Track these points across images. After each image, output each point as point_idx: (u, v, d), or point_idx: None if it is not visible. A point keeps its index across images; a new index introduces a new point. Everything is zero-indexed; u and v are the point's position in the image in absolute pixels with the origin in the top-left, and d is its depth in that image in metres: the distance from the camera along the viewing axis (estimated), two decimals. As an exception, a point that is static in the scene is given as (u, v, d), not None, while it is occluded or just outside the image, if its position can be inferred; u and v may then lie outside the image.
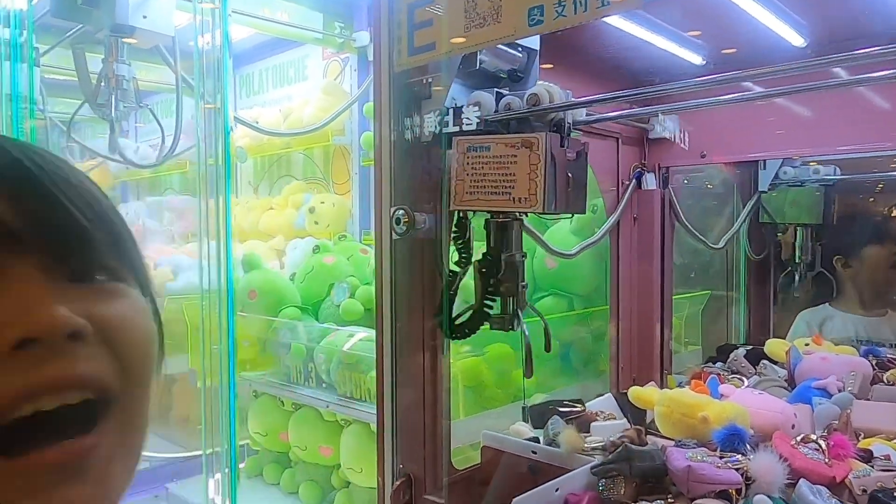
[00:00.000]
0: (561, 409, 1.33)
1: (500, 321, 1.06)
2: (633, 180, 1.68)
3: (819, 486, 0.97)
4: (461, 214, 1.10)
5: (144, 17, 1.73)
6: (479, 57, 1.03)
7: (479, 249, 1.12)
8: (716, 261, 2.32)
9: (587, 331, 1.80)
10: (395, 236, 1.05)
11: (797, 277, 2.23)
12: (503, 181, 0.99)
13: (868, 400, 1.39)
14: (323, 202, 2.71)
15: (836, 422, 1.26)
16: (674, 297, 1.88)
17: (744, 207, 2.13)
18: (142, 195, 4.35)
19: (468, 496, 1.22)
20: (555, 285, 1.82)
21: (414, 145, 1.08)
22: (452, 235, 1.12)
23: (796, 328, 2.22)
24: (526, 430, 1.33)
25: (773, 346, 1.79)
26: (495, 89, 1.06)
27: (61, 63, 2.90)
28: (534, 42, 1.10)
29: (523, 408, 1.39)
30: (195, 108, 1.71)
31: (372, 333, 1.94)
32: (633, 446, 1.05)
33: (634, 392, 1.33)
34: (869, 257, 2.08)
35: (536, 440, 1.24)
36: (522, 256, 1.07)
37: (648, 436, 1.22)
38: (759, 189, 2.10)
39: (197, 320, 2.21)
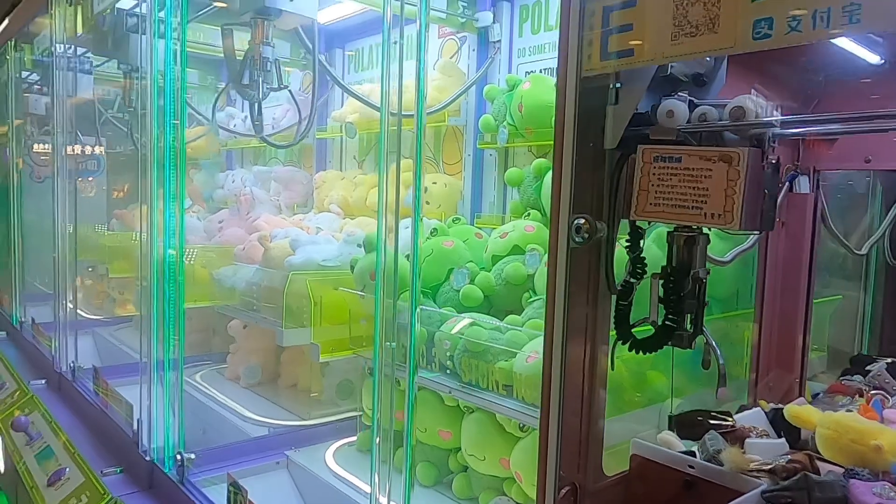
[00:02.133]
0: (711, 422, 1.30)
1: (679, 338, 1.04)
2: (787, 183, 1.60)
3: None
4: (636, 226, 1.08)
5: (291, 0, 1.75)
6: (670, 63, 0.99)
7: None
8: (849, 264, 2.20)
9: (723, 336, 1.75)
10: (573, 244, 1.03)
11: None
12: (694, 195, 0.96)
13: None
14: (435, 182, 2.72)
15: None
16: (811, 303, 1.80)
17: (888, 211, 2.01)
18: (246, 164, 4.49)
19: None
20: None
21: (595, 152, 1.05)
22: (626, 245, 1.09)
23: None
24: (675, 440, 1.31)
25: (921, 360, 1.70)
26: (688, 97, 1.01)
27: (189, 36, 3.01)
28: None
29: (669, 416, 1.37)
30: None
31: (494, 321, 1.95)
32: (812, 475, 1.01)
33: (792, 410, 1.28)
34: None
35: (689, 453, 1.22)
36: (707, 273, 1.04)
37: (818, 462, 1.17)
38: None
39: (318, 295, 2.28)
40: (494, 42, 2.57)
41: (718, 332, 1.82)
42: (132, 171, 3.56)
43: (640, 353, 1.07)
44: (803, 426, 1.27)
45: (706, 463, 1.16)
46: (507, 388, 1.73)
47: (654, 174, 1.00)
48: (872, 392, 1.60)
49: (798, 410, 1.28)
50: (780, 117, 0.95)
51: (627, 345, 1.08)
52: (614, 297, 1.12)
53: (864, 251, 1.94)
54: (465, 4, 2.54)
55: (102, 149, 4.15)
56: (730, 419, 1.33)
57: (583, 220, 1.02)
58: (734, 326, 1.81)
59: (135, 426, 2.23)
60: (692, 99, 1.02)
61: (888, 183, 2.02)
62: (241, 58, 1.84)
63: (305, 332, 2.23)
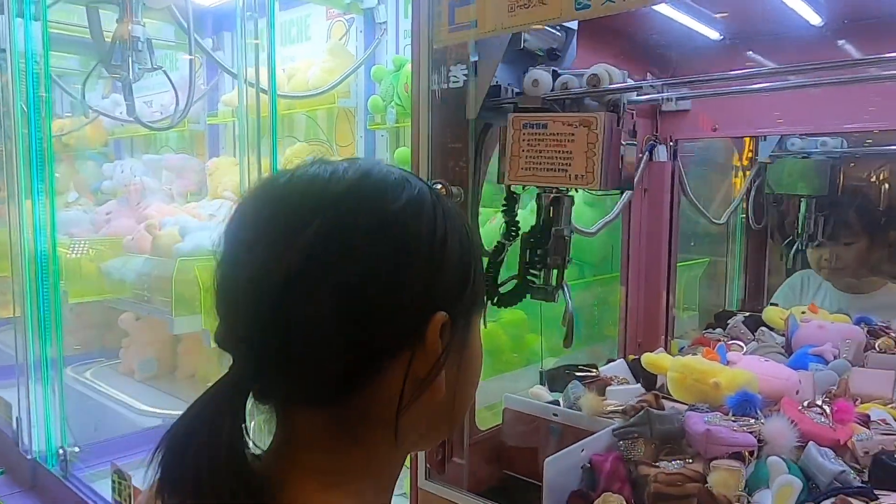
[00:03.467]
0: (578, 374, 1.40)
1: (543, 293, 1.11)
2: (646, 153, 1.72)
3: (825, 448, 1.05)
4: (510, 189, 1.15)
5: (160, -23, 1.71)
6: (523, 37, 1.06)
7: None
8: (715, 229, 2.38)
9: (596, 298, 1.86)
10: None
11: (797, 248, 2.28)
12: (560, 158, 1.03)
13: (863, 367, 1.47)
14: (328, 165, 2.72)
15: (836, 387, 1.34)
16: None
17: (745, 178, 2.18)
18: (136, 153, 4.31)
19: (491, 456, 1.29)
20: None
21: (449, 123, 1.11)
22: (502, 209, 1.16)
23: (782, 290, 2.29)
24: (544, 393, 1.40)
25: (771, 313, 1.87)
26: (552, 68, 1.09)
27: (58, 17, 2.85)
28: (572, 22, 1.13)
29: (540, 372, 1.46)
30: (238, 74, 1.69)
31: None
32: (654, 410, 1.11)
33: (647, 358, 1.40)
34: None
35: (557, 403, 1.31)
36: (570, 232, 1.11)
37: (662, 400, 1.29)
38: (759, 159, 2.09)
39: (209, 281, 2.24)
40: (381, 23, 2.59)
41: (592, 294, 1.94)
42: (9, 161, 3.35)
43: (504, 307, 1.13)
44: (658, 372, 1.39)
45: (568, 410, 1.25)
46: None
47: (524, 140, 1.07)
48: (730, 342, 1.76)
49: (653, 358, 1.39)
50: (632, 83, 1.03)
51: (494, 300, 1.15)
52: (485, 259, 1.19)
53: (722, 221, 2.10)
54: (350, -14, 2.55)
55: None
56: (594, 370, 1.44)
57: (440, 186, 1.08)
58: (608, 289, 1.93)
59: (14, 425, 2.13)
60: (555, 69, 1.10)
61: (745, 150, 2.19)
62: (110, 39, 1.78)
63: (196, 319, 2.20)
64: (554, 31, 1.13)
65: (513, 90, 1.13)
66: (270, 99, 1.67)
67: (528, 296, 1.13)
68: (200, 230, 2.47)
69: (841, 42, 1.47)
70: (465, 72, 1.08)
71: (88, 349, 3.22)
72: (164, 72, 1.95)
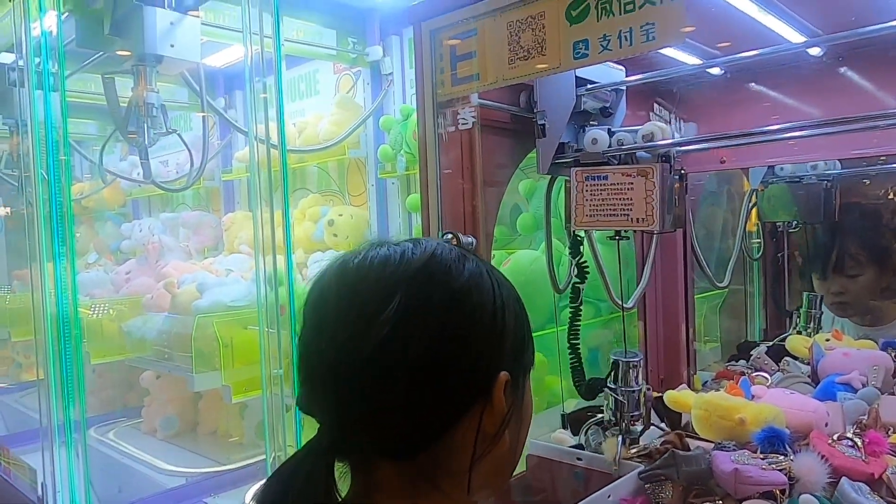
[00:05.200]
0: (598, 417, 1.38)
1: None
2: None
3: (859, 483, 1.02)
4: (576, 234, 1.30)
5: (172, 45, 1.77)
6: (582, 100, 1.21)
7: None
8: (729, 257, 2.36)
9: (615, 335, 1.85)
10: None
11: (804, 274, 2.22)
12: (622, 205, 1.13)
13: (893, 394, 1.44)
14: (341, 214, 2.75)
15: (866, 417, 1.30)
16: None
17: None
18: (154, 212, 4.39)
19: (518, 503, 1.27)
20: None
21: (450, 175, 1.14)
22: (569, 252, 1.32)
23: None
24: (567, 437, 1.38)
25: (795, 342, 1.84)
26: (608, 127, 1.21)
27: (76, 86, 2.95)
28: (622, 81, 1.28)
29: (562, 415, 1.44)
30: (249, 131, 1.74)
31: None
32: (680, 452, 1.09)
33: (670, 396, 1.38)
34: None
35: (580, 447, 1.29)
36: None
37: (687, 439, 1.27)
38: (753, 187, 2.01)
39: (228, 337, 2.26)
40: (387, 74, 2.65)
41: (611, 332, 1.93)
42: (32, 227, 3.43)
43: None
44: (682, 409, 1.37)
45: (592, 454, 1.23)
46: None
47: (586, 191, 1.16)
48: (755, 373, 1.73)
49: (675, 395, 1.37)
50: (678, 139, 1.16)
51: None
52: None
53: (734, 249, 2.07)
54: (355, 41, 2.62)
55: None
56: (617, 412, 1.42)
57: (450, 236, 1.09)
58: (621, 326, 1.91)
59: (39, 492, 2.13)
60: (609, 128, 1.21)
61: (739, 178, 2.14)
62: (125, 105, 1.84)
63: (216, 375, 2.21)
64: (607, 92, 1.27)
65: (572, 147, 1.27)
66: (280, 153, 1.71)
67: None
68: (218, 286, 2.50)
69: (842, 70, 1.48)
70: (474, 115, 1.13)
71: (111, 409, 3.23)
72: (179, 135, 2.01)
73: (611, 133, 1.23)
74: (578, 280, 1.39)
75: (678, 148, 1.22)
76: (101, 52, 2.05)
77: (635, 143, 1.20)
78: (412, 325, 0.56)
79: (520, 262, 1.95)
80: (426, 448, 0.59)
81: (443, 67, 1.08)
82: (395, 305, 0.56)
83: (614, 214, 1.15)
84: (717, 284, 1.91)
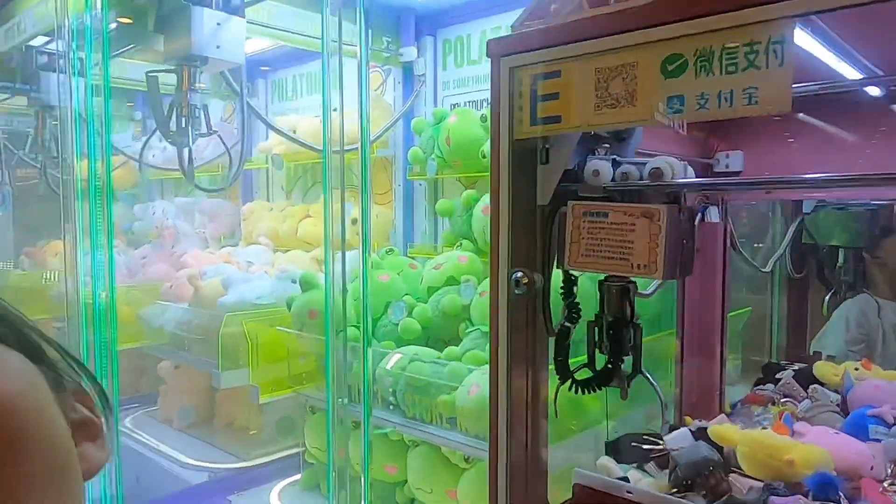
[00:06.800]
0: (643, 447, 1.40)
1: (620, 380, 1.13)
2: (699, 213, 1.73)
3: (913, 535, 1.04)
4: (570, 274, 1.16)
5: (218, 46, 1.75)
6: None
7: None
8: (755, 278, 2.38)
9: (650, 355, 1.87)
10: (513, 296, 1.10)
11: (838, 297, 2.28)
12: (621, 247, 1.04)
13: (926, 432, 1.45)
14: (366, 213, 2.74)
15: (903, 458, 1.32)
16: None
17: (788, 228, 2.19)
18: (167, 194, 4.37)
19: (565, 533, 1.29)
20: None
21: (527, 209, 1.13)
22: (561, 292, 1.17)
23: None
24: (612, 465, 1.39)
25: (822, 368, 1.85)
26: (611, 156, 1.10)
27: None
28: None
29: (606, 443, 1.46)
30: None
31: (433, 354, 2.00)
32: (738, 497, 1.11)
33: (716, 431, 1.39)
34: None
35: (625, 477, 1.31)
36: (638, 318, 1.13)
37: (732, 474, 1.28)
38: (804, 211, 2.11)
39: (254, 335, 2.26)
40: (419, 76, 2.63)
41: (646, 353, 1.94)
42: (44, 205, 3.40)
43: (582, 392, 1.14)
44: (726, 444, 1.38)
45: (643, 489, 1.25)
46: (450, 421, 1.78)
47: (583, 228, 1.08)
48: (783, 399, 1.75)
49: (720, 430, 1.38)
50: (690, 179, 1.05)
51: (570, 387, 1.16)
52: (551, 339, 1.20)
53: (768, 269, 2.11)
54: (389, 39, 2.59)
55: (9, 185, 3.94)
56: (660, 442, 1.44)
57: (521, 274, 1.09)
58: (659, 347, 1.93)
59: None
60: (615, 157, 1.11)
61: (786, 206, 2.21)
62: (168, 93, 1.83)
63: (243, 373, 2.22)
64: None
65: (579, 176, 1.14)
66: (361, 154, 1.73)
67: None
68: (244, 282, 2.49)
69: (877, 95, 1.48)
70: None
71: (125, 395, 3.24)
72: (220, 137, 1.99)
73: (616, 163, 1.12)
74: (568, 323, 1.19)
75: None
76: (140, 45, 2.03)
77: (640, 178, 1.09)
78: None
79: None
80: None
81: (521, 105, 1.07)
82: None
83: (612, 257, 1.04)
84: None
